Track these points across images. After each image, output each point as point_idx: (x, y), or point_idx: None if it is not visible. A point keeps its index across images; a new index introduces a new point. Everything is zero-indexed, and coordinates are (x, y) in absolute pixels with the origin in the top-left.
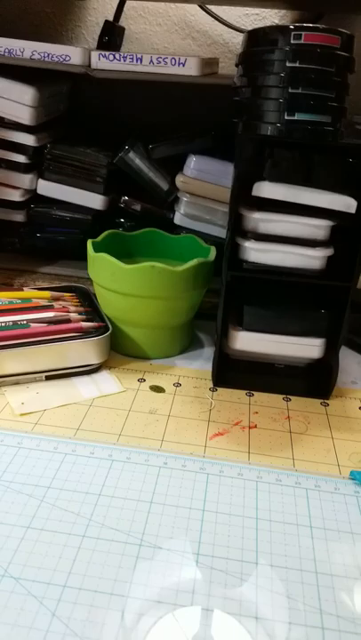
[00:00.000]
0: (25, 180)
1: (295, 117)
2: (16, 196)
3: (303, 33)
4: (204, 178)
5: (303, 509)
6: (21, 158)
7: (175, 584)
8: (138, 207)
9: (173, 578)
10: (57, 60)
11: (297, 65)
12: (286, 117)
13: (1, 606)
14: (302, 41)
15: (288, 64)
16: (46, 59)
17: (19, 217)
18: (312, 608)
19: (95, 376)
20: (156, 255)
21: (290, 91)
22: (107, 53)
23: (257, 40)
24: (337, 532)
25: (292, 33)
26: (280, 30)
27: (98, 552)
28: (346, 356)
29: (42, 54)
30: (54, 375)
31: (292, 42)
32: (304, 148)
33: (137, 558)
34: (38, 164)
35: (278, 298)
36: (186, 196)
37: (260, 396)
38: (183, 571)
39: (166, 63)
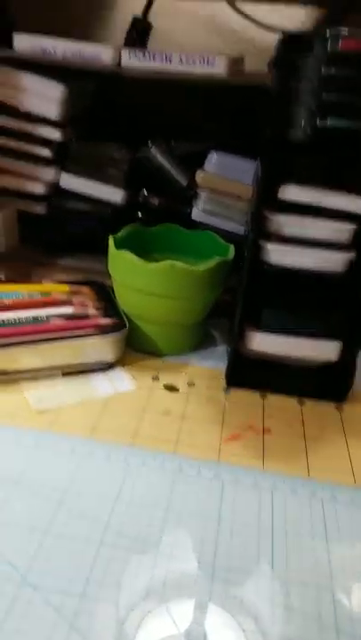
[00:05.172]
0: (48, 173)
1: (327, 124)
2: (38, 189)
3: (341, 39)
4: (224, 174)
5: (319, 522)
6: (45, 152)
7: (193, 595)
8: (156, 201)
9: (191, 589)
10: (88, 57)
11: (333, 72)
12: (318, 124)
13: (19, 615)
14: (339, 47)
15: (323, 70)
16: (78, 57)
17: (39, 209)
18: (329, 628)
19: (110, 373)
20: (173, 250)
21: (324, 97)
22: (137, 52)
23: (292, 44)
24: (354, 546)
25: (330, 40)
26: (316, 35)
27: (115, 560)
28: None
29: (74, 53)
30: (71, 371)
31: (329, 48)
32: (334, 153)
33: (154, 569)
34: (61, 157)
35: (296, 299)
36: (205, 192)
37: (273, 399)
38: (200, 582)
39: (195, 62)
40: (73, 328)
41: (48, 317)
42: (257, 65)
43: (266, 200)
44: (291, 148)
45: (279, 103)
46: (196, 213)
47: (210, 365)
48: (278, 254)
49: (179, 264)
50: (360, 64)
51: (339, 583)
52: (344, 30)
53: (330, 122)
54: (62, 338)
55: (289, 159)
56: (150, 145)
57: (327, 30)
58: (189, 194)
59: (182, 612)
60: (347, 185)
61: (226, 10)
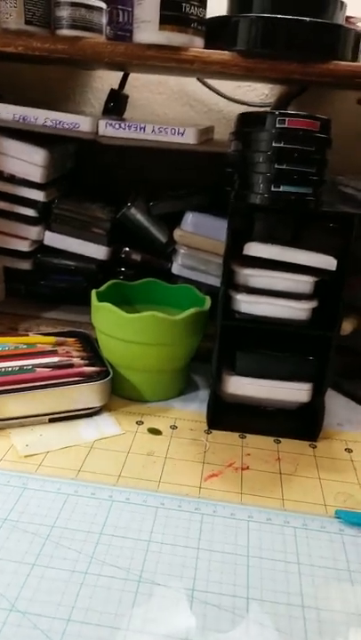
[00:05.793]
0: (33, 231)
1: (281, 189)
2: (24, 246)
3: (287, 119)
4: (199, 232)
5: (291, 547)
6: (30, 212)
7: (172, 618)
8: (138, 257)
9: (170, 612)
10: (68, 127)
11: (282, 145)
12: (273, 189)
13: (8, 638)
14: (286, 125)
15: (274, 144)
16: (58, 126)
17: (25, 265)
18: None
19: (96, 418)
20: (154, 303)
21: (276, 166)
22: (113, 122)
23: (248, 122)
24: (323, 568)
25: (278, 118)
26: (267, 115)
27: (99, 588)
28: (333, 400)
29: (54, 121)
30: (57, 418)
31: (277, 126)
32: (289, 215)
33: (136, 594)
34: (46, 216)
35: (269, 344)
36: (183, 249)
37: (252, 438)
38: (179, 605)
39: (167, 132)
40: (58, 377)
41: (34, 367)
42: (227, 133)
43: (233, 255)
44: (251, 209)
45: (239, 171)
46: (176, 268)
47: (193, 409)
48: (247, 304)
49: (158, 314)
50: (305, 139)
51: (309, 602)
52: (290, 111)
53: (282, 187)
54: (47, 386)
55: (251, 219)
56: (129, 205)
57: (276, 112)
58: (169, 250)
59: (165, 629)
60: (305, 242)
61: (197, 84)
